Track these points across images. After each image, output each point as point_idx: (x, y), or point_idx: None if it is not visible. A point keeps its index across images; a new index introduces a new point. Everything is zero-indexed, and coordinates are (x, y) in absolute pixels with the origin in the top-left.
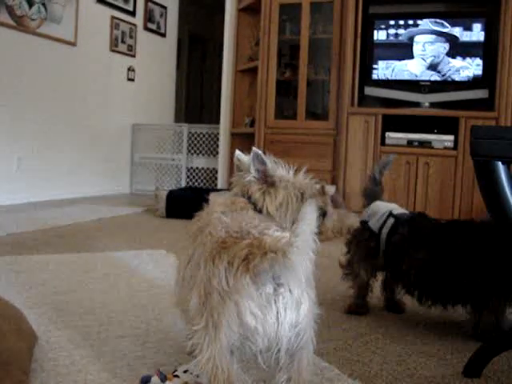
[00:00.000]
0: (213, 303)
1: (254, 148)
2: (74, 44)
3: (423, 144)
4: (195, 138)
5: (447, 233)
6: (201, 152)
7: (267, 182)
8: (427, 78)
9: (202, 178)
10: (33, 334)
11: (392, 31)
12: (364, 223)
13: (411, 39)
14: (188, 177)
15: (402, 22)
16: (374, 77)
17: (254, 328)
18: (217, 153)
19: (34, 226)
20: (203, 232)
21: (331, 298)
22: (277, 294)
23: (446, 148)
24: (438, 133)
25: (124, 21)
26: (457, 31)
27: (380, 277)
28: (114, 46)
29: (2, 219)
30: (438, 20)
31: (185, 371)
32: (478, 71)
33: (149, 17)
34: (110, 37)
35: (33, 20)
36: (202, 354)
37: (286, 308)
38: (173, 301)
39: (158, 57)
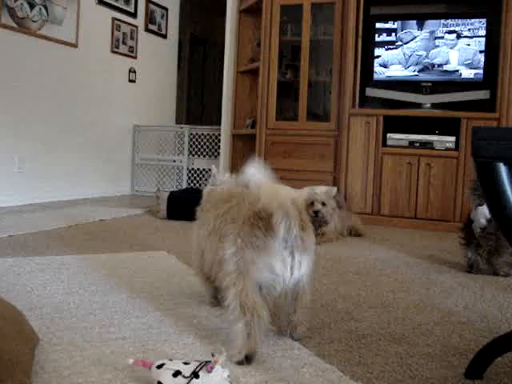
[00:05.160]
0: (247, 253)
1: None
2: (75, 46)
3: (425, 145)
4: (196, 140)
5: None
6: (202, 153)
7: None
8: (428, 79)
9: (203, 179)
10: (34, 335)
11: (393, 32)
12: None
13: (412, 40)
14: (189, 178)
15: (402, 23)
16: (375, 78)
17: (280, 273)
18: (218, 154)
19: (35, 228)
20: (229, 201)
21: (332, 299)
22: (293, 257)
23: (447, 149)
24: (440, 134)
25: (125, 22)
26: (458, 32)
27: None
28: (115, 48)
29: (3, 221)
30: (439, 21)
31: (185, 363)
32: (480, 72)
33: (150, 18)
34: (111, 38)
35: (34, 22)
36: (234, 289)
37: (295, 266)
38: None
39: (159, 58)
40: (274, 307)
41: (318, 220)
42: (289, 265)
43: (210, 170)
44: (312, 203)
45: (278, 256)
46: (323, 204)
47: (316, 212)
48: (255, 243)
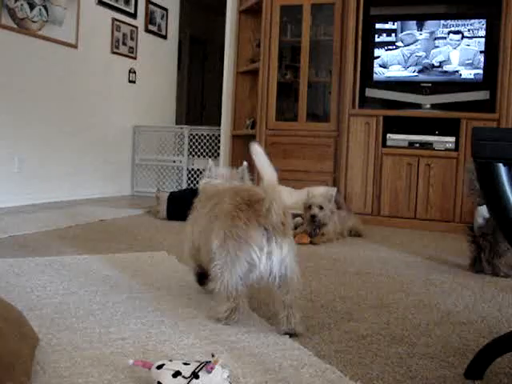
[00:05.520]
0: (230, 246)
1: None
2: (75, 46)
3: (424, 145)
4: (196, 140)
5: None
6: (202, 154)
7: None
8: (428, 80)
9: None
10: (34, 336)
11: (393, 33)
12: None
13: (412, 41)
14: (189, 178)
15: (402, 24)
16: (375, 78)
17: (257, 261)
18: (218, 154)
19: (35, 228)
20: (213, 199)
21: (332, 299)
22: (271, 242)
23: (447, 149)
24: (440, 134)
25: (125, 23)
26: (458, 32)
27: None
28: (115, 48)
29: (3, 221)
30: (438, 21)
31: (185, 363)
32: (479, 72)
33: (150, 19)
34: (111, 39)
35: (34, 22)
36: (221, 279)
37: (275, 250)
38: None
39: (159, 59)
40: (272, 305)
41: (315, 223)
42: (265, 251)
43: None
44: (309, 207)
45: (256, 245)
46: (321, 208)
47: (313, 216)
48: (237, 233)
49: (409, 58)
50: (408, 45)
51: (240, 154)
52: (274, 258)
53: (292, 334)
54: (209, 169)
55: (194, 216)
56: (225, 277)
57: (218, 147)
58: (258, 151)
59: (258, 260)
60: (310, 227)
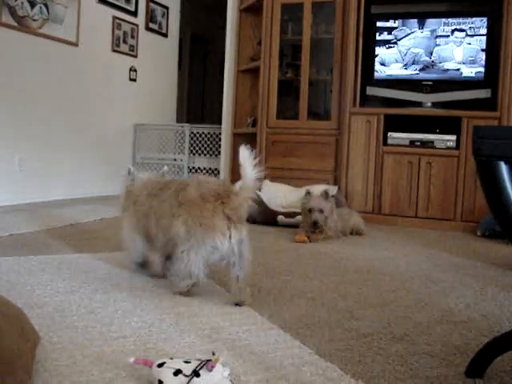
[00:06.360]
0: (197, 231)
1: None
2: (75, 44)
3: (425, 144)
4: (197, 138)
5: None
6: (203, 152)
7: None
8: (429, 78)
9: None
10: (35, 334)
11: (394, 31)
12: None
13: (413, 39)
14: (190, 177)
15: (403, 22)
16: (376, 76)
17: (220, 245)
18: (219, 153)
19: (36, 227)
20: (169, 189)
21: (332, 297)
22: (231, 228)
23: (448, 148)
24: (441, 133)
25: (126, 21)
26: (459, 30)
27: None
28: (115, 47)
29: (4, 219)
30: (440, 19)
31: (186, 361)
32: (481, 71)
33: (150, 17)
34: (112, 37)
35: (35, 20)
36: (186, 259)
37: (234, 233)
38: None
39: (159, 57)
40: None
41: (317, 228)
42: (227, 236)
43: (208, 169)
44: (310, 210)
45: (220, 232)
46: (321, 211)
47: (315, 222)
48: (203, 222)
49: (409, 55)
50: (408, 43)
51: None
52: (233, 240)
53: (241, 304)
54: (131, 174)
55: (138, 211)
56: (190, 259)
57: (219, 145)
58: (245, 154)
59: (220, 244)
60: (310, 229)
